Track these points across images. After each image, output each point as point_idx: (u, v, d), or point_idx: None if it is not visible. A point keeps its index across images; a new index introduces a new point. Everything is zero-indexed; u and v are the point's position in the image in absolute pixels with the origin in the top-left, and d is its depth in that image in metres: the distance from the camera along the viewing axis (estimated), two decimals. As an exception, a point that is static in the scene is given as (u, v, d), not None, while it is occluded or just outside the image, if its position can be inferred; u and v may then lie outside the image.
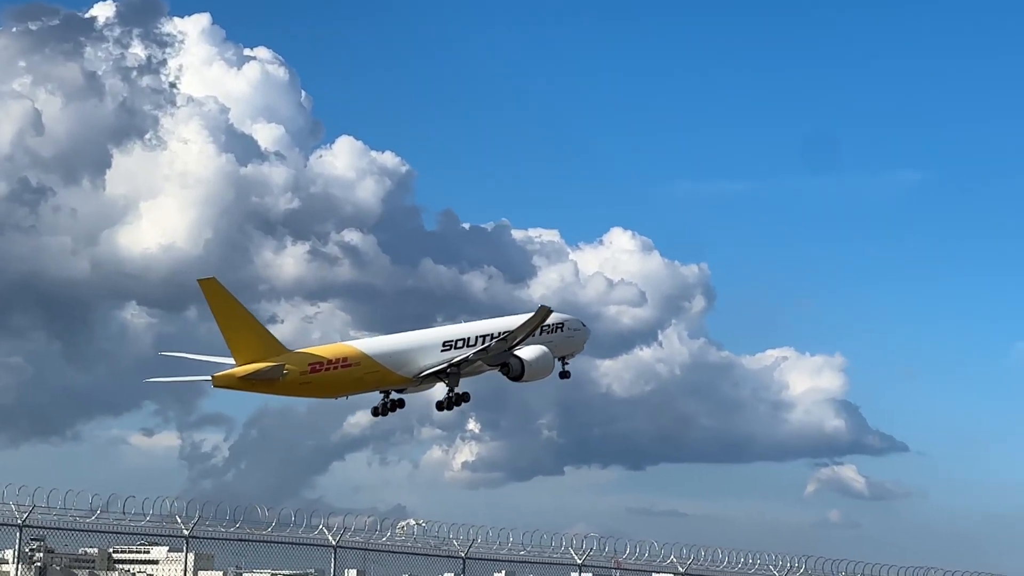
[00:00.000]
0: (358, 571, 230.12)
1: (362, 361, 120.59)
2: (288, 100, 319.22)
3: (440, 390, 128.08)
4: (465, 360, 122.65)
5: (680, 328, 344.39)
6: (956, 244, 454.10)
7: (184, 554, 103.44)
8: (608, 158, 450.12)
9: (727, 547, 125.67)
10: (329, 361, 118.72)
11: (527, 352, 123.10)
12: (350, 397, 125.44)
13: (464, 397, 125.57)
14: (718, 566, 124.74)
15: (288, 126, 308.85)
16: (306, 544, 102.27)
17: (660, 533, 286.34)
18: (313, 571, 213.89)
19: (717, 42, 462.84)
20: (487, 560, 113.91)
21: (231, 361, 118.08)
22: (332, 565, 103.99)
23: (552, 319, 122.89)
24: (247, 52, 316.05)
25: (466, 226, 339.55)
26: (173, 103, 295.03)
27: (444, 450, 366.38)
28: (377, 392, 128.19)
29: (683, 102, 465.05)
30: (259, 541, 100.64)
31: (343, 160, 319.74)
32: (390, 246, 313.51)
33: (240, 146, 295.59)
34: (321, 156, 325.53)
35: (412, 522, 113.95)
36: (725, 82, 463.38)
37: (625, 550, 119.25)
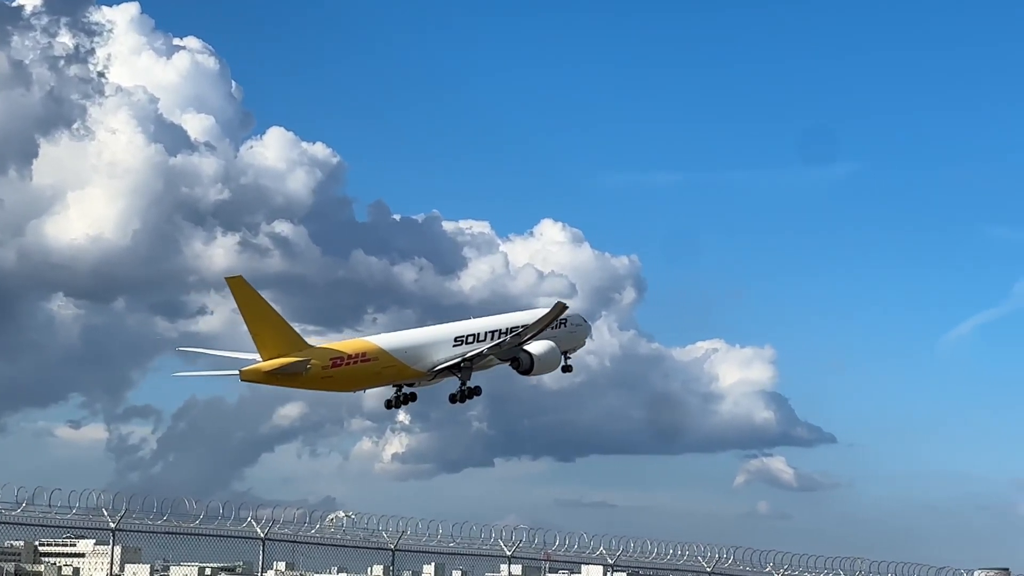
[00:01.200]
0: (287, 564, 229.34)
1: (380, 356, 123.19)
2: (218, 90, 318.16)
3: (448, 384, 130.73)
4: (479, 355, 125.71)
5: (610, 320, 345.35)
6: (885, 236, 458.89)
7: (111, 547, 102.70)
8: (539, 150, 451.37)
9: (656, 538, 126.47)
10: (349, 356, 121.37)
11: (536, 347, 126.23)
12: (366, 391, 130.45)
13: (476, 391, 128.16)
14: (647, 557, 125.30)
15: (218, 116, 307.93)
16: (234, 537, 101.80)
17: (589, 525, 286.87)
18: (241, 564, 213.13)
19: (649, 36, 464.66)
20: (416, 552, 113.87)
21: (246, 356, 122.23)
22: (260, 558, 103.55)
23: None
24: (176, 42, 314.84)
25: (397, 217, 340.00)
26: (101, 93, 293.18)
27: (374, 442, 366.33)
28: (391, 386, 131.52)
29: (614, 95, 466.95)
30: (187, 534, 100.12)
31: (274, 151, 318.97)
32: (321, 237, 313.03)
33: (169, 136, 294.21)
34: (251, 147, 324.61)
35: (341, 514, 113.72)
36: (655, 75, 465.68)
37: (555, 542, 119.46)
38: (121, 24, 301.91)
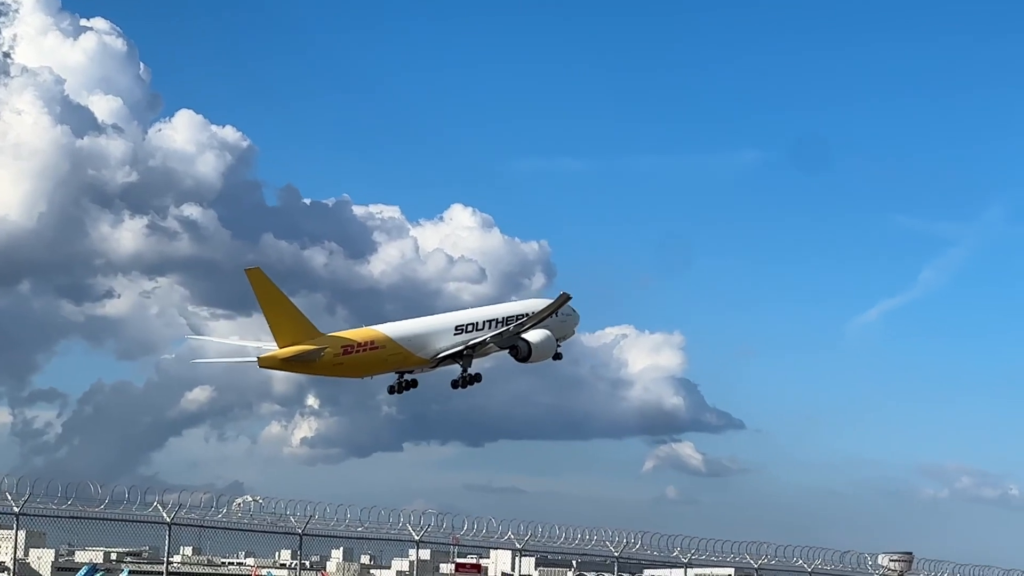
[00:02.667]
0: (194, 548, 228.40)
1: (387, 344, 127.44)
2: (126, 72, 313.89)
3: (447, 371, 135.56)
4: (482, 343, 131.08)
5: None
6: (792, 223, 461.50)
7: (15, 532, 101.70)
8: (449, 135, 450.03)
9: (564, 523, 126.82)
10: (359, 344, 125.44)
11: (533, 335, 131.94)
12: (374, 377, 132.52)
13: (477, 378, 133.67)
14: (555, 542, 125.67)
15: (126, 98, 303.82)
16: (140, 521, 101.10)
17: (498, 510, 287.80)
18: (147, 548, 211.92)
19: (558, 24, 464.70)
20: (324, 537, 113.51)
21: (255, 344, 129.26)
22: (166, 542, 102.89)
23: (546, 304, 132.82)
24: (83, 22, 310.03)
25: (307, 201, 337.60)
26: (7, 73, 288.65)
27: (283, 426, 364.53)
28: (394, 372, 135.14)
29: (524, 80, 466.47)
30: (91, 518, 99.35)
31: (183, 134, 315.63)
32: (230, 221, 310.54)
33: (76, 118, 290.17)
34: (160, 129, 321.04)
35: (249, 499, 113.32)
36: (567, 60, 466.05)
37: (463, 526, 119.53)
38: (27, 4, 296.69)
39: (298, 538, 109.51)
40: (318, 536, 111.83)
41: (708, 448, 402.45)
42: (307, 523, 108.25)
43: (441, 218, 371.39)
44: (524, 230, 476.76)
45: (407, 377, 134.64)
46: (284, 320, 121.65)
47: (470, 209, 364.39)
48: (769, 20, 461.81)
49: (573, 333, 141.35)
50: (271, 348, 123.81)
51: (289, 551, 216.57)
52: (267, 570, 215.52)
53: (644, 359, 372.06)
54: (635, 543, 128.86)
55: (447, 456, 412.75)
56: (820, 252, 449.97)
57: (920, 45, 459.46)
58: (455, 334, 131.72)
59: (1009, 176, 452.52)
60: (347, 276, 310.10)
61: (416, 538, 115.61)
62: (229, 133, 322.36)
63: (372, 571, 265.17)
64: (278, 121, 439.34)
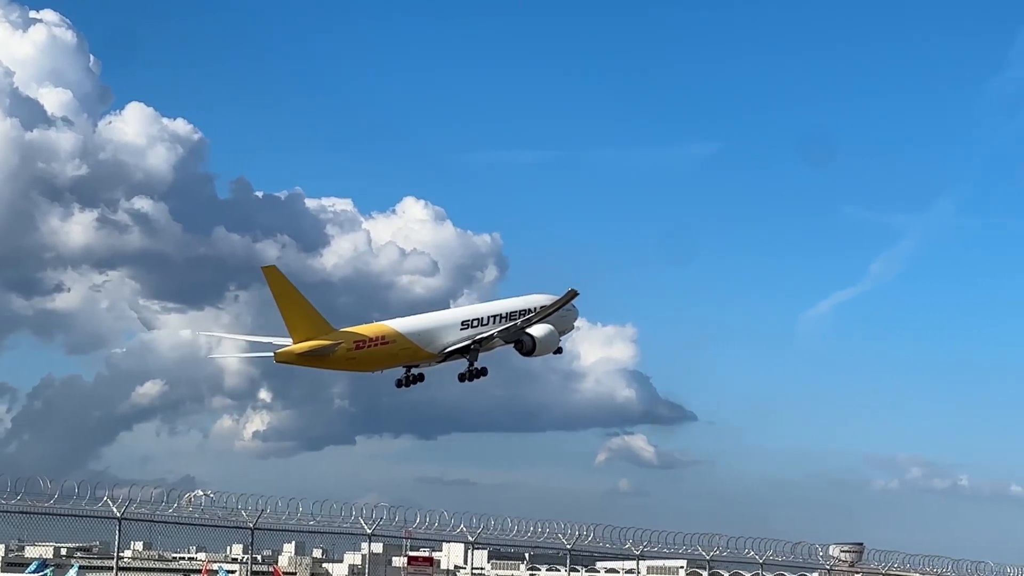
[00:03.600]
0: (144, 543, 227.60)
1: (397, 339, 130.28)
2: (76, 64, 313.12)
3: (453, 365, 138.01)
4: (488, 337, 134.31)
5: (472, 298, 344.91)
6: (744, 216, 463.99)
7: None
8: (402, 128, 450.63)
9: (517, 516, 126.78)
10: (371, 339, 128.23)
11: (537, 330, 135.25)
12: (384, 371, 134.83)
13: (483, 371, 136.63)
14: (508, 535, 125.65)
15: (76, 91, 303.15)
16: (90, 516, 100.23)
17: (451, 502, 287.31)
18: (98, 544, 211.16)
19: (514, 14, 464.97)
20: (276, 531, 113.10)
21: (263, 339, 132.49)
22: (117, 537, 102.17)
23: (548, 300, 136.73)
24: (32, 14, 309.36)
25: (259, 194, 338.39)
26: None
27: (235, 419, 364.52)
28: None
29: (476, 73, 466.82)
30: (41, 513, 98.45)
31: (133, 126, 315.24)
32: (182, 214, 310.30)
33: (25, 111, 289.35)
34: (110, 122, 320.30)
35: (200, 493, 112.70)
36: (519, 53, 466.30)
37: (416, 519, 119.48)
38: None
39: (249, 532, 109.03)
40: (270, 530, 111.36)
41: (660, 440, 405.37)
42: (258, 517, 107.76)
43: (394, 211, 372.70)
44: (476, 223, 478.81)
45: (414, 371, 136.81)
46: (299, 316, 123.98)
47: (422, 202, 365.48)
48: (720, 11, 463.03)
49: (572, 328, 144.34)
50: (283, 344, 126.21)
51: (241, 545, 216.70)
52: (218, 565, 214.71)
53: (596, 351, 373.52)
54: (587, 535, 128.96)
55: (400, 449, 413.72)
56: (771, 244, 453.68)
57: (876, 43, 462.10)
58: (461, 329, 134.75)
59: (959, 169, 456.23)
60: (300, 269, 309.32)
61: (368, 531, 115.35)
62: (180, 126, 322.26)
63: (324, 565, 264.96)
64: (230, 114, 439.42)
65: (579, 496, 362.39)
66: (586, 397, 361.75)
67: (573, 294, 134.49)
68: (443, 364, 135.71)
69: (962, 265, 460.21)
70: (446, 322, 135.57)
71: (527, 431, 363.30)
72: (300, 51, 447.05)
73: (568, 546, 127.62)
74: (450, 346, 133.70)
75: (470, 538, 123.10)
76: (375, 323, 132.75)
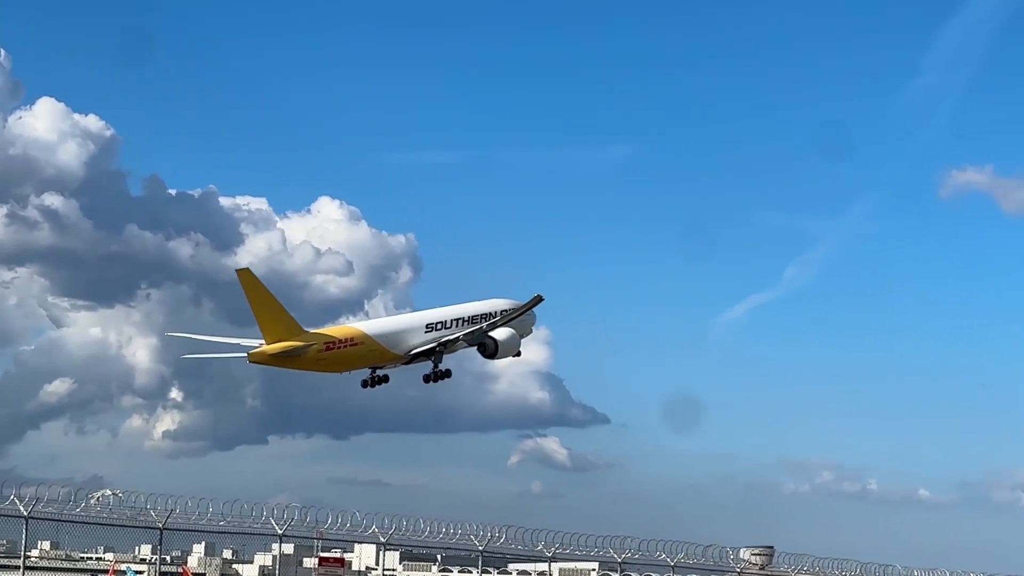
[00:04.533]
0: (51, 543, 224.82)
1: (365, 341, 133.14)
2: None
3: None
4: (453, 340, 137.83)
5: (387, 298, 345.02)
6: (659, 218, 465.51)
7: None
8: (318, 128, 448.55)
9: (430, 517, 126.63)
10: (340, 341, 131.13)
11: (499, 333, 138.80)
12: (351, 372, 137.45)
13: (447, 373, 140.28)
14: (419, 536, 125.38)
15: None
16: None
17: (363, 503, 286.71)
18: (4, 543, 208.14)
19: (429, 14, 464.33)
20: (185, 531, 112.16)
21: (232, 340, 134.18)
22: (23, 536, 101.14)
23: (508, 305, 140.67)
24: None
25: (173, 192, 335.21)
26: None
27: (145, 419, 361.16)
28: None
29: (392, 72, 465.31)
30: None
31: (44, 122, 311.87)
32: (93, 211, 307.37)
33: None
34: (20, 117, 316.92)
35: (108, 492, 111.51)
36: (434, 54, 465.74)
37: (327, 520, 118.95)
38: None
39: (158, 532, 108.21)
40: (179, 530, 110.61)
41: (573, 443, 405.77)
42: (168, 517, 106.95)
43: (309, 211, 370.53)
44: (391, 223, 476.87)
45: (379, 373, 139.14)
46: (271, 318, 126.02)
47: (338, 202, 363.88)
48: (641, 19, 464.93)
49: (531, 332, 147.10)
50: (252, 344, 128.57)
51: (149, 546, 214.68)
52: (126, 565, 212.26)
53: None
54: (500, 537, 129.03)
55: (312, 449, 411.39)
56: (687, 247, 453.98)
57: (789, 52, 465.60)
58: (426, 332, 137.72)
59: (873, 174, 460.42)
60: (213, 268, 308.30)
61: (279, 532, 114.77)
62: (92, 122, 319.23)
63: (234, 566, 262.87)
64: (144, 111, 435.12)
65: (492, 498, 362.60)
66: (499, 399, 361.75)
67: (539, 299, 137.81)
68: (408, 365, 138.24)
69: (874, 270, 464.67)
70: (412, 325, 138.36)
71: (440, 432, 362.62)
72: (215, 49, 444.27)
73: (480, 547, 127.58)
74: (416, 348, 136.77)
75: (382, 539, 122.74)
76: (345, 325, 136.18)
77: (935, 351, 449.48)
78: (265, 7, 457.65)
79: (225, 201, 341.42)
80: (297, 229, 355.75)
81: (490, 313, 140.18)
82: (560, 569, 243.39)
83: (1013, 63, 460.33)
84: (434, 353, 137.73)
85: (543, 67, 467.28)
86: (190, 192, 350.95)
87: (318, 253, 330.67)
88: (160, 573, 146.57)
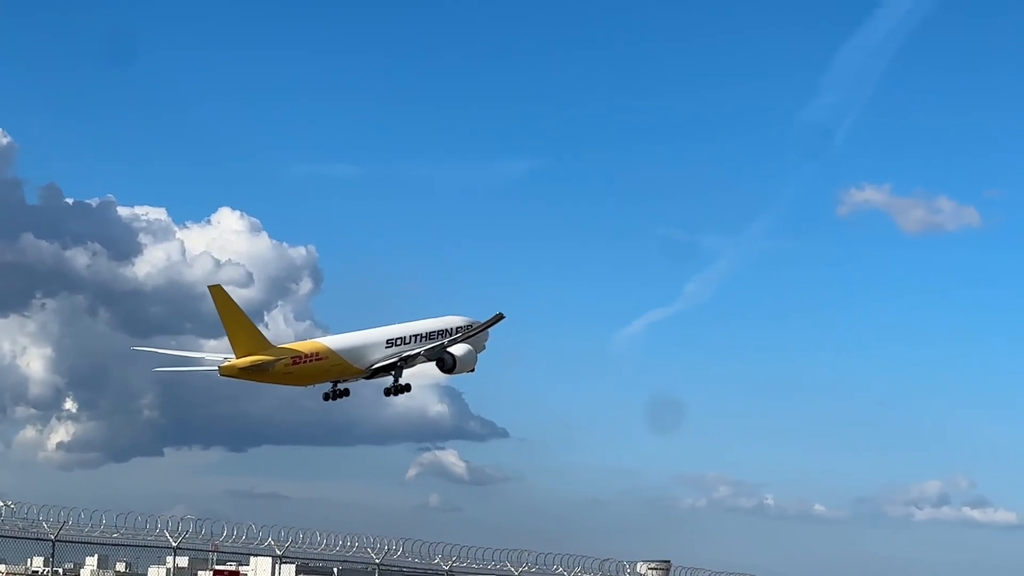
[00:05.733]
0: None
1: (330, 356, 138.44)
2: None
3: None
4: (414, 355, 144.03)
5: (287, 310, 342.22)
6: (560, 232, 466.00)
7: None
8: (219, 137, 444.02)
9: (327, 530, 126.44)
10: (306, 355, 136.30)
11: (457, 349, 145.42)
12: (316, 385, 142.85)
13: (407, 387, 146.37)
14: (316, 549, 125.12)
15: None
16: None
17: (260, 516, 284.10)
18: None
19: (335, 21, 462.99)
20: (78, 543, 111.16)
21: (197, 355, 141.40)
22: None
23: (464, 322, 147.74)
24: None
25: (70, 201, 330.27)
26: None
27: (38, 430, 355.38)
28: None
29: (298, 84, 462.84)
30: None
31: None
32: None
33: None
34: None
35: (0, 503, 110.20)
36: (340, 63, 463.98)
37: (223, 532, 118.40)
38: None
39: (50, 544, 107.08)
40: (71, 542, 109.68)
41: (472, 456, 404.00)
42: (60, 529, 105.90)
43: (209, 221, 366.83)
44: (292, 235, 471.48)
45: (341, 386, 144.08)
46: (241, 333, 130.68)
47: (238, 213, 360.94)
48: (545, 29, 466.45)
49: (484, 348, 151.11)
50: (217, 359, 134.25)
51: (42, 558, 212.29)
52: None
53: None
54: (397, 550, 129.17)
55: (209, 461, 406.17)
56: (586, 261, 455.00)
57: (699, 68, 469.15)
58: (387, 347, 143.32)
59: (773, 191, 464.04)
60: (110, 278, 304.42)
61: (173, 544, 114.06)
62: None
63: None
64: (41, 118, 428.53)
65: (389, 511, 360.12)
66: (398, 411, 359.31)
67: (499, 317, 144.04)
68: (369, 380, 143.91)
69: (773, 286, 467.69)
70: (373, 340, 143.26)
71: (338, 445, 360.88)
72: (115, 56, 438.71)
73: (377, 561, 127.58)
74: (377, 363, 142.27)
75: (278, 552, 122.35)
76: (310, 340, 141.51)
77: (833, 368, 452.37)
78: (168, 19, 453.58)
79: (123, 211, 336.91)
80: (197, 239, 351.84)
81: (447, 330, 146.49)
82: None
83: (912, 83, 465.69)
84: (395, 368, 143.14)
85: (445, 81, 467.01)
86: (88, 201, 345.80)
87: (218, 264, 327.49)
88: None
